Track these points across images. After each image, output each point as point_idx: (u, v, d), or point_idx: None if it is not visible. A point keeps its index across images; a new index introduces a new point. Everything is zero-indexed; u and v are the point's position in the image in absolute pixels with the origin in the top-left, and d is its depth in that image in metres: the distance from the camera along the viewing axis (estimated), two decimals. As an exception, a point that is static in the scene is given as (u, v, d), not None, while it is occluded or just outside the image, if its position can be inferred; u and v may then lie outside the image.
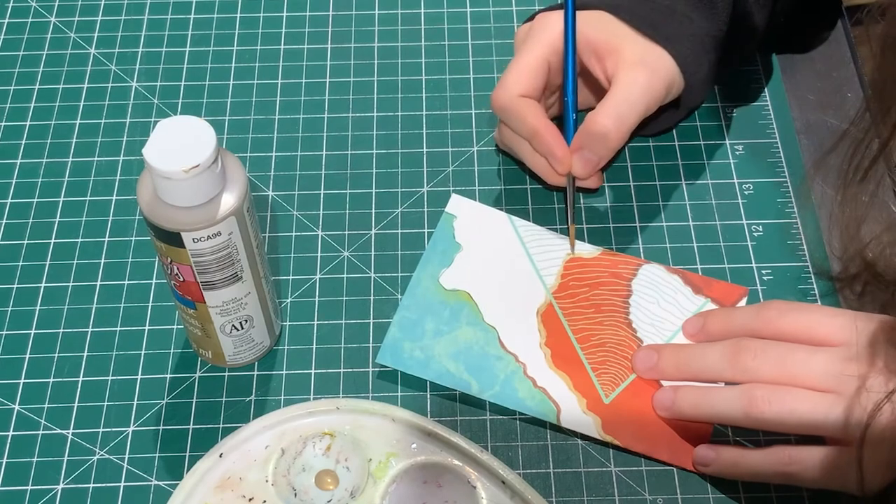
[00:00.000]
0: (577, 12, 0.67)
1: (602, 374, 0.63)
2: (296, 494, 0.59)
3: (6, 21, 0.80)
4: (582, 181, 0.68)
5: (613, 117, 0.65)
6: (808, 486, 0.58)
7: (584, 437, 0.61)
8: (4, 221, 0.70)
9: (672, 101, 0.69)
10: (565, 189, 0.68)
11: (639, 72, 0.65)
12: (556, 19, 0.67)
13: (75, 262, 0.68)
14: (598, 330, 0.64)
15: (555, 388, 0.62)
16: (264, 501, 0.58)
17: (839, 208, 0.56)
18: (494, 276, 0.66)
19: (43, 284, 0.67)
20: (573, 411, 0.61)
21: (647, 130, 0.72)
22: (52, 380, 0.63)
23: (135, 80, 0.77)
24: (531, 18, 0.70)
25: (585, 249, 0.68)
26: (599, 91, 0.68)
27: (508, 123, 0.68)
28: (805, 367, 0.57)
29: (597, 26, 0.67)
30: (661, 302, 0.65)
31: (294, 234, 0.69)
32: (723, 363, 0.59)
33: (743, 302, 0.65)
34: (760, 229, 0.69)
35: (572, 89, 0.68)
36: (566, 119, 0.68)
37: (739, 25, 0.70)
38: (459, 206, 0.69)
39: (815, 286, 0.66)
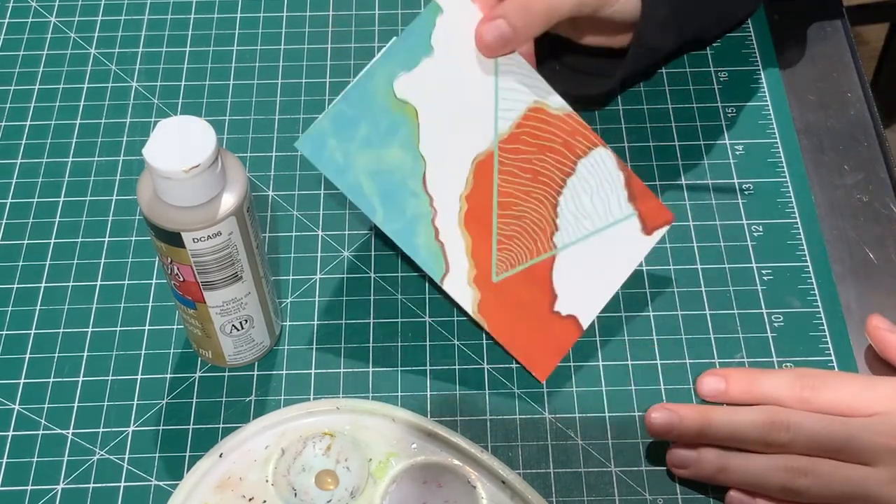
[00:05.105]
0: None
1: (503, 251, 0.61)
2: (296, 494, 0.59)
3: (6, 21, 0.80)
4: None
5: None
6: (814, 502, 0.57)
7: (583, 437, 0.61)
8: (4, 221, 0.70)
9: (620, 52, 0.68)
10: None
11: None
12: None
13: (75, 262, 0.68)
14: (523, 200, 0.62)
15: (453, 247, 0.60)
16: (264, 501, 0.58)
17: None
18: (450, 100, 0.60)
19: (43, 284, 0.67)
20: (458, 279, 0.60)
21: (594, 87, 0.71)
22: (52, 380, 0.63)
23: (135, 80, 0.77)
24: None
25: (556, 104, 0.63)
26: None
27: None
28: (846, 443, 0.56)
29: None
30: (595, 196, 0.63)
31: (294, 234, 0.69)
32: (757, 432, 0.57)
33: (663, 230, 0.65)
34: (760, 229, 0.69)
35: None
36: None
37: None
38: (453, 1, 0.59)
39: (815, 286, 0.66)
